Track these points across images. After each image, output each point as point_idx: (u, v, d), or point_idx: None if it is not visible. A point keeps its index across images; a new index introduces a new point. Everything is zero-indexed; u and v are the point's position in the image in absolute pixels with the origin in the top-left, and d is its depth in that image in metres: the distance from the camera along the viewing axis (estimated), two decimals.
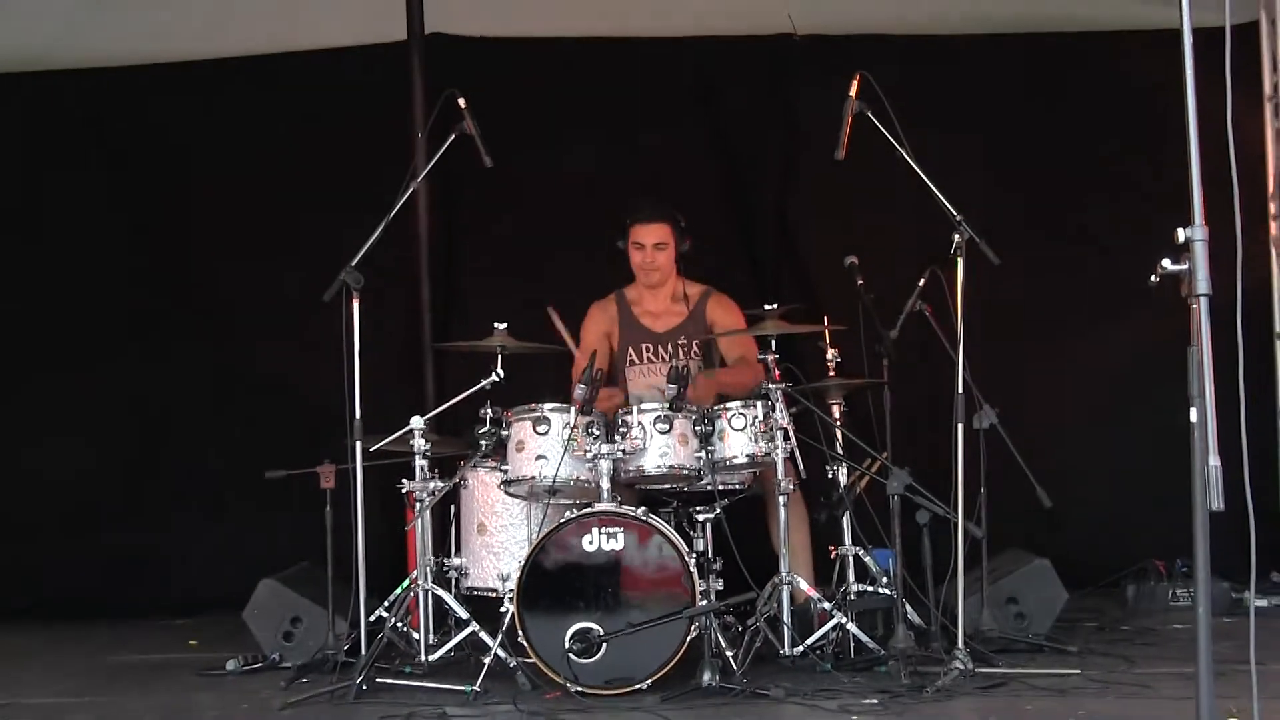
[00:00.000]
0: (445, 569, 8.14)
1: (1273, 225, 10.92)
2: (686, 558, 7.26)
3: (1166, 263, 4.32)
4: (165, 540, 11.16)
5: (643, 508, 7.54)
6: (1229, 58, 4.58)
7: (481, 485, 8.16)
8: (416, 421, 8.04)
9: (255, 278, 11.08)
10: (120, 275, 11.43)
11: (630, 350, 8.86)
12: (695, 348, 8.80)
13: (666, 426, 7.67)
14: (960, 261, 7.59)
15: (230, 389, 11.17)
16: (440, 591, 7.98)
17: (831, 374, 8.29)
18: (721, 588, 7.70)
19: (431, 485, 8.08)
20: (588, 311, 8.99)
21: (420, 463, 8.06)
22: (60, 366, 11.32)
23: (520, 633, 7.22)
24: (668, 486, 8.05)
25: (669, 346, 8.79)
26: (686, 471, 7.74)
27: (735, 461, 7.81)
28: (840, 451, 8.21)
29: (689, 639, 7.11)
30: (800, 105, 11.10)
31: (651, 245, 8.70)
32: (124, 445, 11.31)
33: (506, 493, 7.97)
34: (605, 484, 7.58)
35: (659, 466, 7.70)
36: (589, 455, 7.63)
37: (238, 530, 11.06)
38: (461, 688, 7.18)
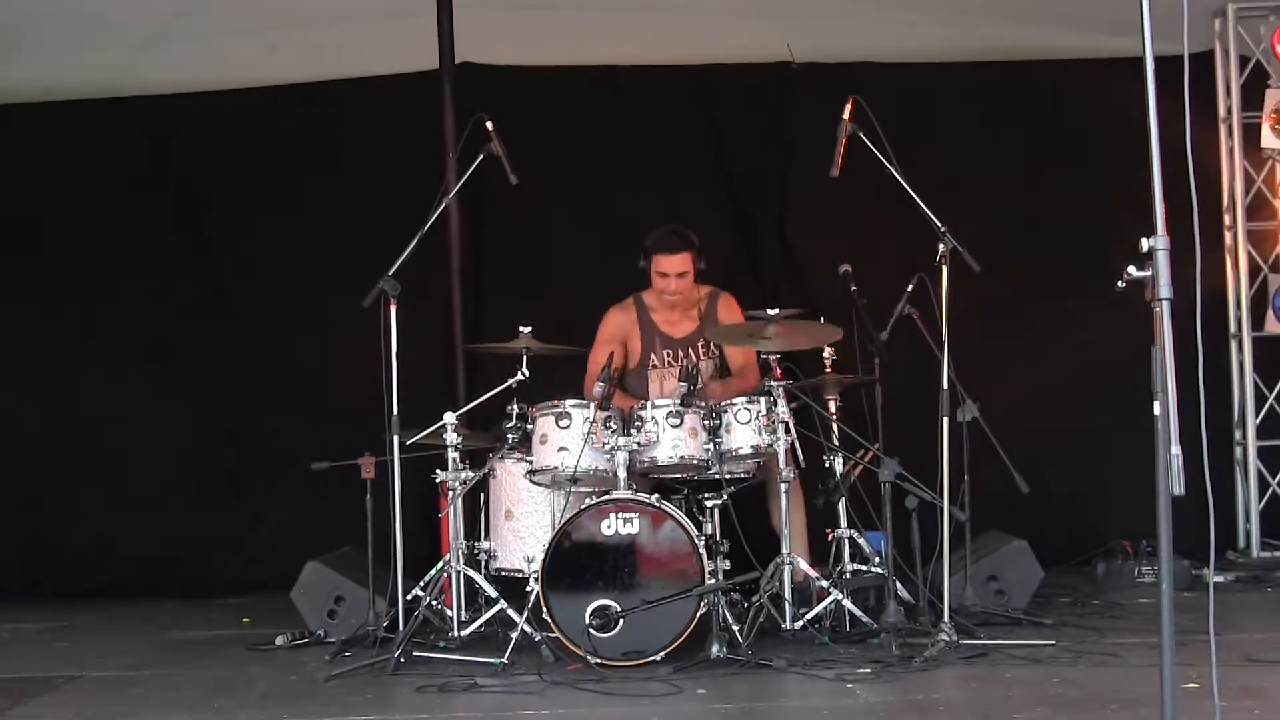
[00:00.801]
0: (476, 552, 8.16)
1: (1227, 236, 10.96)
2: (696, 540, 7.28)
3: (1132, 269, 4.34)
4: (221, 526, 11.14)
5: (656, 495, 7.57)
6: (1187, 83, 4.60)
7: (509, 475, 8.17)
8: (449, 417, 8.07)
9: (302, 286, 11.07)
10: (181, 284, 11.43)
11: (652, 356, 8.87)
12: (713, 347, 8.83)
13: (678, 420, 7.71)
14: (945, 269, 7.63)
15: (281, 387, 11.16)
16: (471, 572, 8.01)
17: (828, 372, 8.31)
18: (728, 567, 7.73)
19: (463, 475, 8.11)
20: (606, 313, 8.99)
21: (452, 455, 8.09)
22: (127, 367, 11.34)
23: (544, 610, 7.25)
24: (679, 475, 8.08)
25: (688, 350, 8.80)
26: (696, 462, 7.78)
27: (741, 452, 7.84)
28: (836, 443, 8.23)
29: (698, 614, 7.14)
30: (797, 127, 11.08)
31: (675, 275, 8.69)
32: (188, 439, 11.31)
33: (532, 481, 7.98)
34: (622, 473, 7.63)
35: (671, 457, 7.73)
36: (607, 447, 7.67)
37: (286, 517, 11.07)
38: (491, 660, 7.22)
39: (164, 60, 11.04)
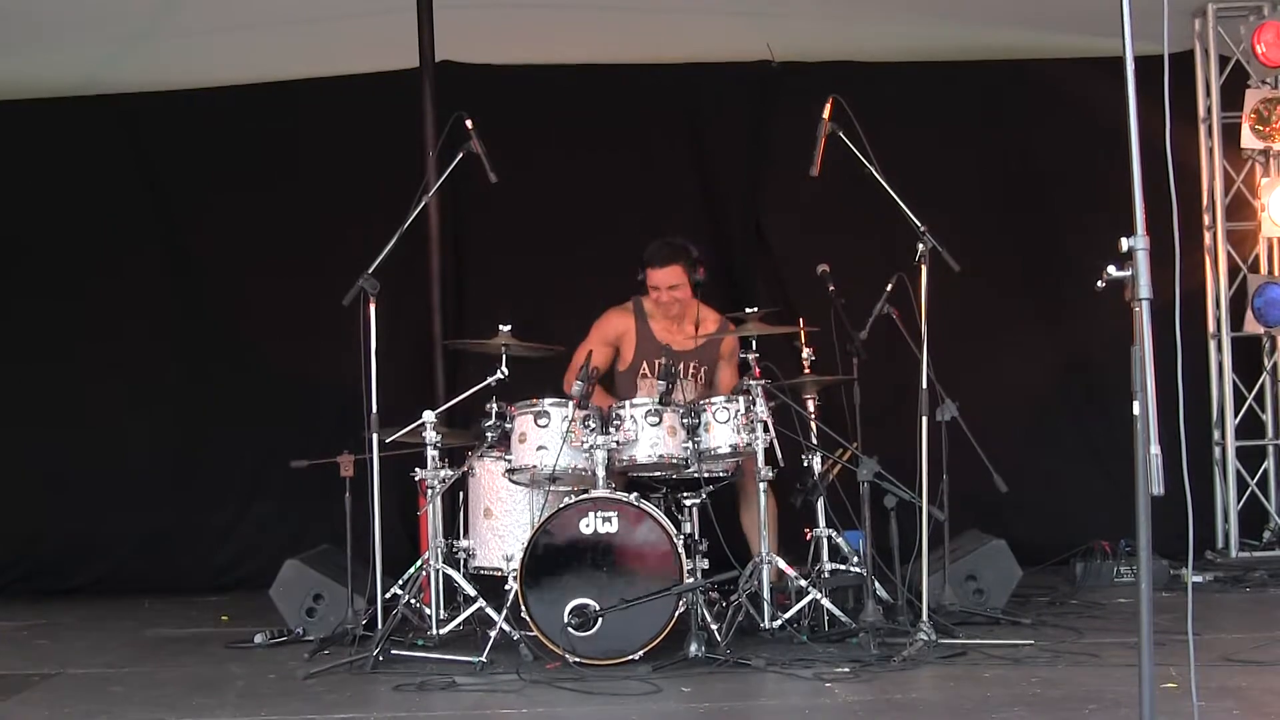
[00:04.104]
0: (454, 550, 8.13)
1: (1207, 235, 10.98)
2: (675, 539, 7.27)
3: (1112, 269, 4.34)
4: (200, 524, 11.14)
5: (635, 494, 7.55)
6: (1167, 83, 4.60)
7: (488, 473, 8.16)
8: (428, 415, 8.04)
9: (282, 285, 11.04)
10: (160, 282, 11.40)
11: (644, 364, 8.83)
12: (703, 373, 8.83)
13: (657, 419, 7.70)
14: (924, 269, 7.61)
15: (260, 385, 11.13)
16: (450, 571, 7.98)
17: (807, 371, 8.31)
18: (707, 566, 7.74)
19: (442, 474, 8.08)
20: (605, 314, 8.97)
21: (431, 453, 8.05)
22: (110, 365, 11.26)
23: (523, 608, 7.24)
24: (658, 474, 8.08)
25: (679, 365, 8.68)
26: (675, 460, 7.77)
27: (719, 451, 7.83)
28: (815, 442, 8.22)
29: (677, 613, 7.15)
30: (777, 126, 11.08)
31: (666, 288, 8.69)
32: (166, 438, 11.27)
33: (510, 480, 7.97)
34: (601, 472, 7.61)
35: (650, 456, 7.72)
36: (586, 446, 7.66)
37: (265, 515, 11.07)
38: (469, 659, 7.20)
39: (143, 58, 11.01)
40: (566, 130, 11.21)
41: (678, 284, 8.68)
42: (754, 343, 7.92)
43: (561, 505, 7.44)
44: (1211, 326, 11.05)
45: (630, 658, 7.11)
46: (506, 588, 7.66)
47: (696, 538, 7.87)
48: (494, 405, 7.97)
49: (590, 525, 7.31)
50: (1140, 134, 4.36)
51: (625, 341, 8.90)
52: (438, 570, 7.97)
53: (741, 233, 11.39)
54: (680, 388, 8.12)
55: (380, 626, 7.61)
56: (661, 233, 8.98)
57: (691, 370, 8.80)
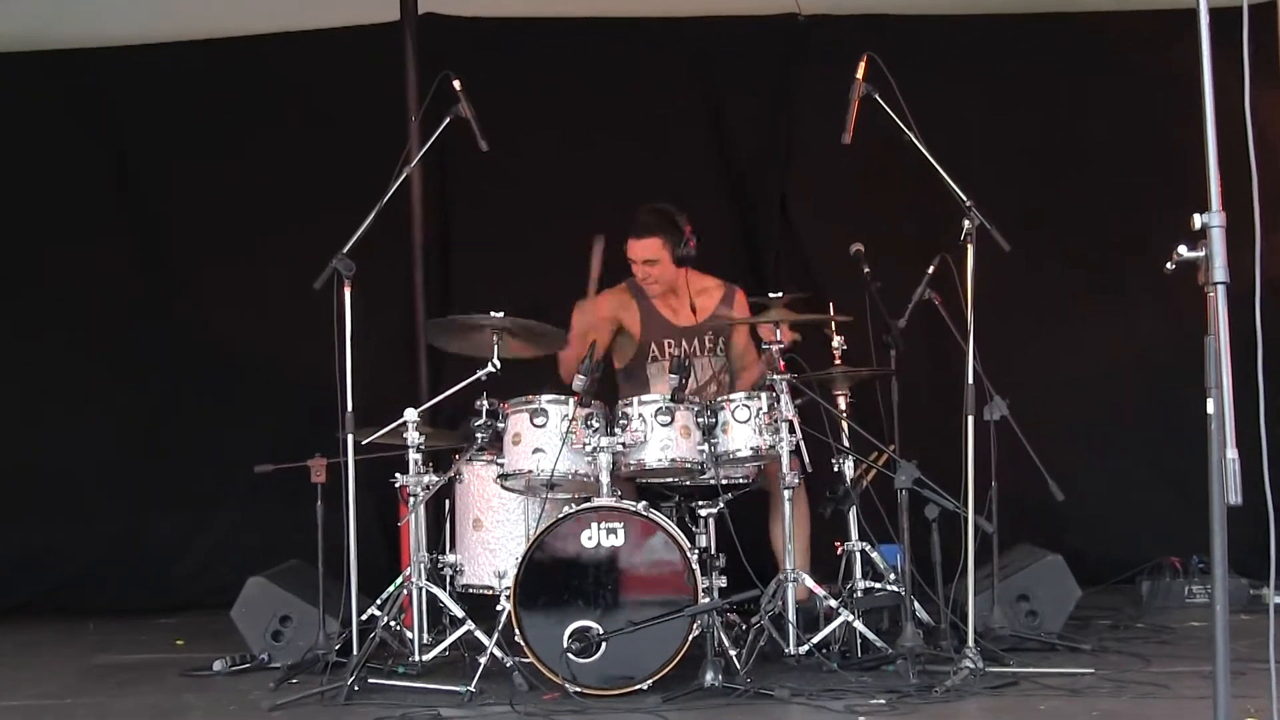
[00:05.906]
0: (440, 566, 8.11)
1: None
2: (688, 554, 7.23)
3: (1183, 249, 4.31)
4: (154, 537, 11.16)
5: (643, 502, 7.51)
6: (1246, 37, 4.57)
7: (477, 479, 8.12)
8: (410, 414, 8.00)
9: (245, 265, 11.07)
10: (113, 265, 11.40)
11: (654, 347, 8.83)
12: (721, 344, 8.80)
13: (668, 418, 7.65)
14: (970, 248, 7.55)
15: (223, 380, 11.14)
16: (435, 589, 7.96)
17: (838, 364, 8.27)
18: (724, 585, 7.70)
19: (426, 479, 8.05)
20: (597, 297, 8.92)
21: (414, 456, 8.03)
22: (49, 362, 11.29)
23: (517, 631, 7.21)
24: (669, 480, 8.05)
25: (692, 342, 8.75)
26: (689, 465, 7.72)
27: (739, 455, 7.78)
28: (846, 444, 8.19)
29: (691, 638, 7.10)
30: (804, 87, 11.06)
31: (641, 262, 8.68)
32: (116, 440, 11.29)
33: (503, 487, 7.93)
34: (605, 478, 7.56)
35: (660, 460, 7.68)
36: (588, 448, 7.61)
37: (227, 527, 11.08)
38: (457, 688, 7.18)
39: (97, 9, 11.00)
40: (567, 91, 11.20)
41: (654, 259, 8.66)
42: (779, 332, 7.88)
43: (560, 515, 7.42)
44: None
45: (638, 687, 7.08)
46: (498, 608, 7.64)
47: (713, 552, 7.83)
48: (484, 402, 7.91)
49: (593, 538, 7.29)
50: (1215, 96, 4.33)
51: (628, 324, 8.88)
52: (421, 588, 7.95)
53: (764, 207, 11.38)
54: (697, 370, 8.09)
55: (356, 652, 7.60)
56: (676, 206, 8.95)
57: (706, 345, 8.79)
